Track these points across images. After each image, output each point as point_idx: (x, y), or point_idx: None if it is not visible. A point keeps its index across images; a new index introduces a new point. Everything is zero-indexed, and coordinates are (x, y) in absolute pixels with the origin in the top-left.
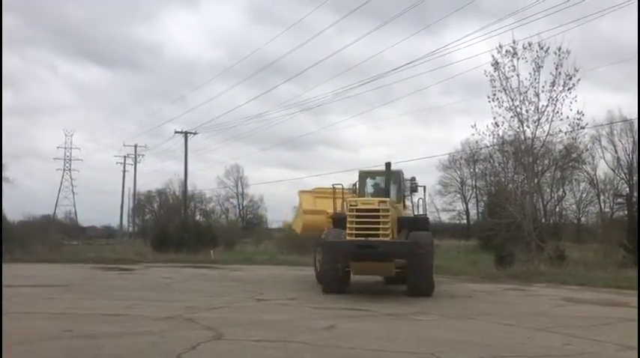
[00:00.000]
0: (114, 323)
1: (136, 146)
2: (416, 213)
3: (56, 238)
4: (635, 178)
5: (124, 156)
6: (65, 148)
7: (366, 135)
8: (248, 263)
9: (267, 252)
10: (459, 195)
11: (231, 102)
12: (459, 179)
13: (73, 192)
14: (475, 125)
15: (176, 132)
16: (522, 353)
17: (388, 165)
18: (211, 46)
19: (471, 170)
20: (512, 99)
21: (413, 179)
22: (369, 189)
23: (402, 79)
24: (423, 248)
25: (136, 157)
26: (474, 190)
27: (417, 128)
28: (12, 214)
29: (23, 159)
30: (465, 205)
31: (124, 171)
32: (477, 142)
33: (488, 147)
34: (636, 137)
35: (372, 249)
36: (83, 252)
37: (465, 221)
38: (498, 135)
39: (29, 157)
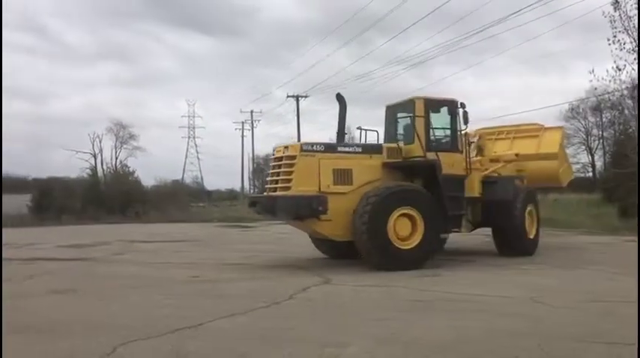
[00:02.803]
0: (235, 270)
1: (252, 112)
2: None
3: (185, 201)
4: None
5: (242, 122)
6: (189, 117)
7: (477, 88)
8: None
9: None
10: (583, 147)
11: (331, 63)
12: (583, 129)
13: (198, 158)
14: (593, 71)
15: (288, 96)
16: (625, 298)
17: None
18: (305, 5)
19: (597, 119)
20: (635, 40)
21: (463, 106)
22: (400, 129)
23: (513, 27)
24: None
25: (252, 123)
26: (601, 141)
27: (532, 77)
28: (146, 179)
29: (148, 128)
30: (590, 157)
31: (243, 137)
32: (595, 89)
33: (614, 94)
34: None
35: (254, 205)
36: (209, 212)
37: (590, 174)
38: (620, 80)
39: (153, 127)
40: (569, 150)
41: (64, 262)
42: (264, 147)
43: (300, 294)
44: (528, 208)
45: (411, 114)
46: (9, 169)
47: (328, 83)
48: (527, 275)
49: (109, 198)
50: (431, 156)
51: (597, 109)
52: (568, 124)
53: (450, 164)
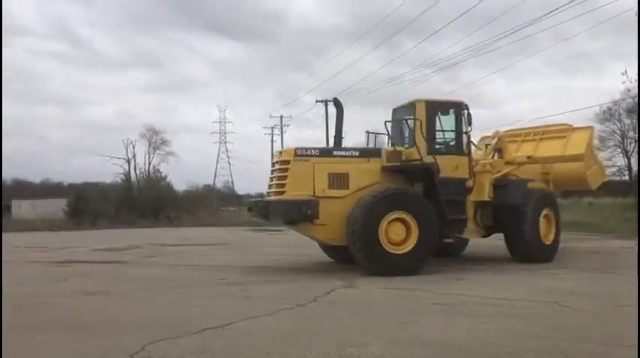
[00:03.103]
0: (262, 273)
1: (281, 117)
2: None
3: (215, 205)
4: None
5: (272, 127)
6: (220, 122)
7: (507, 90)
8: None
9: None
10: (619, 149)
11: (360, 67)
12: (618, 132)
13: (229, 163)
14: (626, 72)
15: (317, 101)
16: None
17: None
18: (333, 10)
19: (633, 121)
20: None
21: (467, 108)
22: (405, 132)
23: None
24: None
25: (282, 128)
26: (638, 143)
27: (565, 79)
28: (177, 184)
29: (180, 134)
30: (626, 160)
31: (272, 142)
32: (628, 90)
33: None
34: None
35: (251, 209)
36: (239, 216)
37: (626, 177)
38: None
39: (185, 132)
40: (604, 153)
41: (97, 265)
42: None
43: (323, 297)
44: (544, 212)
45: (411, 117)
46: (47, 175)
47: (357, 87)
48: (554, 280)
49: (141, 202)
50: (430, 159)
51: (632, 111)
52: (602, 127)
53: (454, 167)
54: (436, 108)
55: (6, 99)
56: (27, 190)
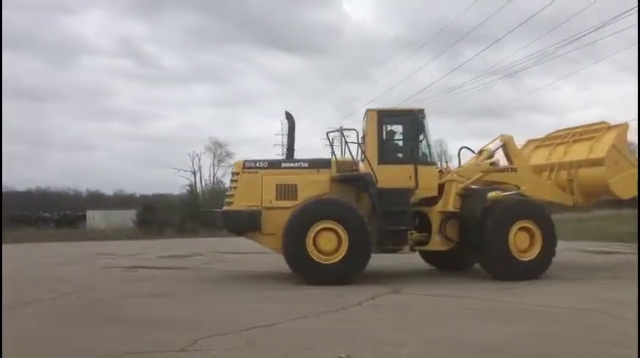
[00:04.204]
0: None
1: (341, 128)
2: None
3: None
4: None
5: (331, 139)
6: (282, 135)
7: (574, 97)
8: None
9: None
10: None
11: (419, 77)
12: None
13: None
14: None
15: None
16: None
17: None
18: (390, 21)
19: None
20: None
21: (421, 114)
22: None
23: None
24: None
25: (342, 139)
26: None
27: (635, 84)
28: None
29: (242, 146)
30: None
31: (332, 154)
32: None
33: None
34: None
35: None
36: None
37: None
38: None
39: (247, 144)
40: None
41: (162, 270)
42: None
43: (367, 302)
44: (520, 224)
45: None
46: (121, 187)
47: (418, 97)
48: (605, 290)
49: (206, 213)
50: (380, 169)
51: None
52: None
53: (407, 176)
54: (389, 117)
55: (79, 117)
56: (101, 202)
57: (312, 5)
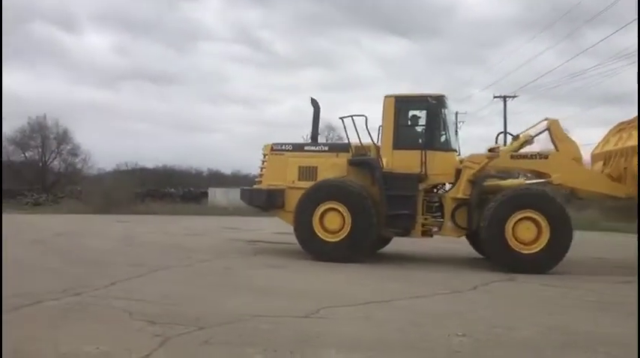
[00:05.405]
0: (429, 263)
1: (457, 113)
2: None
3: None
4: None
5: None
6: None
7: None
8: None
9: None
10: None
11: (539, 61)
12: None
13: None
14: None
15: (495, 96)
16: None
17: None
18: (505, 1)
19: None
20: None
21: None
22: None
23: None
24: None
25: (456, 124)
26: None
27: None
28: None
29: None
30: None
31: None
32: None
33: None
34: None
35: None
36: None
37: None
38: None
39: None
40: None
41: (278, 244)
42: (467, 149)
43: (482, 286)
44: (522, 214)
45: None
46: (238, 168)
47: (538, 83)
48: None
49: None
50: (395, 154)
51: None
52: None
53: (417, 162)
54: (405, 103)
55: (200, 101)
56: (220, 180)
57: None
